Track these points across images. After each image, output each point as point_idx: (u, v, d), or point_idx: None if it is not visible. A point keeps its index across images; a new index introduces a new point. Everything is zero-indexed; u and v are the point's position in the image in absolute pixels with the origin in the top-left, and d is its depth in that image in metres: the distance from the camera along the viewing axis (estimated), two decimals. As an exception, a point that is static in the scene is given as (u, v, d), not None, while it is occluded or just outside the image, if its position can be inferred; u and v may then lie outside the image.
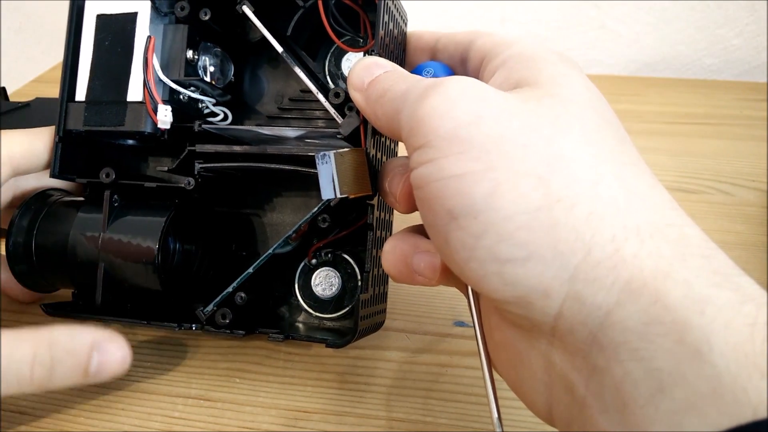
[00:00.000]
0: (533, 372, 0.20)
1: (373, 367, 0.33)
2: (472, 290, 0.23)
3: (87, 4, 0.31)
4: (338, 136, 0.27)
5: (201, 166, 0.30)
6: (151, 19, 0.30)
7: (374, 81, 0.23)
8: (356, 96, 0.24)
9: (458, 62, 0.27)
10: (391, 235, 0.32)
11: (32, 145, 0.31)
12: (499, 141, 0.18)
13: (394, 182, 0.24)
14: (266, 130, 0.29)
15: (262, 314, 0.32)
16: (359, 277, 0.32)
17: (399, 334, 0.35)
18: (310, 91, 0.30)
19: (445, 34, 0.28)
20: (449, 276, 0.23)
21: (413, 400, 0.31)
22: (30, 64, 0.70)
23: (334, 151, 0.25)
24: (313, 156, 0.26)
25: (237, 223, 0.34)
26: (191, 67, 0.31)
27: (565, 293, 0.17)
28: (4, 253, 0.32)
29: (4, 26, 0.78)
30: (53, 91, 0.40)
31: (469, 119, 0.19)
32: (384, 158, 0.31)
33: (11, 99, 0.42)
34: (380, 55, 0.25)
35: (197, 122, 0.30)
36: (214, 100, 0.32)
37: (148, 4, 0.30)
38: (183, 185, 0.30)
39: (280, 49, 0.30)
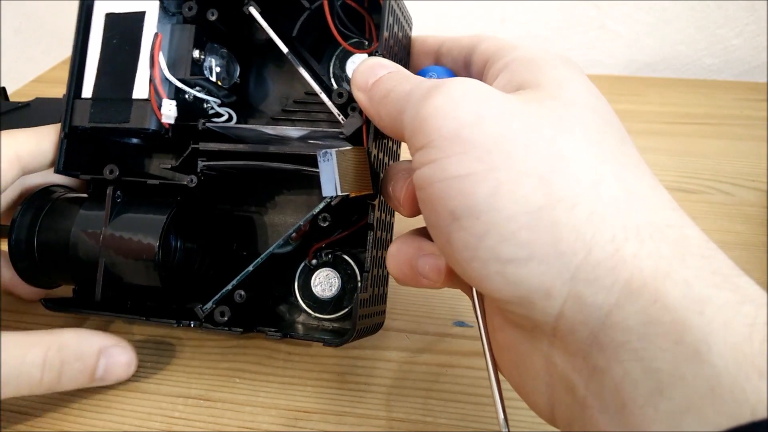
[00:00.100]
0: (535, 372, 0.20)
1: (373, 367, 0.33)
2: (476, 291, 0.23)
3: (96, 3, 0.32)
4: (341, 136, 0.27)
5: (204, 164, 0.30)
6: (159, 19, 0.30)
7: (378, 81, 0.23)
8: (360, 96, 0.24)
9: (461, 66, 0.27)
10: (392, 236, 0.33)
11: (39, 143, 0.31)
12: (500, 141, 0.18)
13: (398, 186, 0.24)
14: (269, 130, 0.29)
15: (261, 314, 0.32)
16: (359, 278, 0.32)
17: (399, 334, 0.35)
18: (315, 94, 0.30)
19: (448, 38, 0.28)
20: (454, 278, 0.23)
21: (413, 400, 0.31)
22: (30, 64, 0.70)
23: (336, 149, 0.25)
24: (316, 155, 0.26)
25: (238, 223, 0.34)
26: (197, 66, 0.31)
27: (566, 293, 0.17)
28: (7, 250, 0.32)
29: (4, 26, 0.78)
30: (53, 91, 0.40)
31: (472, 119, 0.19)
32: (387, 161, 0.31)
33: (11, 99, 0.42)
34: (384, 57, 0.25)
35: (201, 120, 0.31)
36: (219, 101, 0.33)
37: (157, 3, 0.31)
38: (185, 183, 0.30)
39: (285, 50, 0.30)
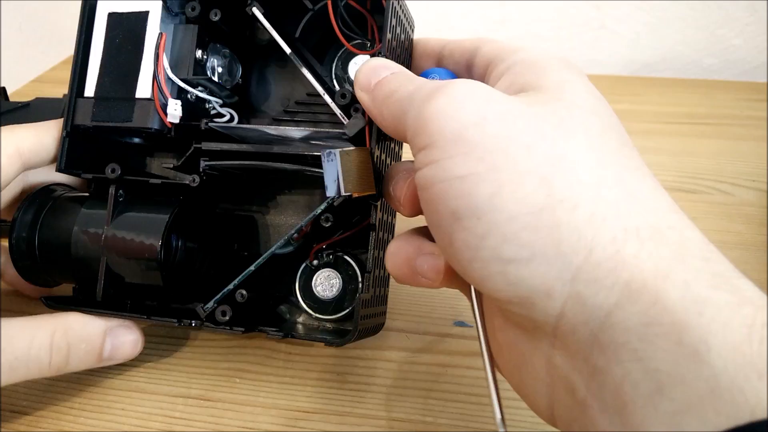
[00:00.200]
0: (535, 373, 0.20)
1: (373, 367, 0.33)
2: (475, 292, 0.23)
3: (99, 3, 0.32)
4: (343, 137, 0.27)
5: (206, 163, 0.30)
6: (161, 19, 0.31)
7: (381, 82, 0.23)
8: (363, 96, 0.24)
9: (464, 68, 0.27)
10: (393, 237, 0.33)
11: (41, 139, 0.31)
12: (503, 142, 0.18)
13: (399, 185, 0.24)
14: (272, 130, 0.29)
15: (263, 314, 0.32)
16: (360, 279, 0.32)
17: (399, 334, 0.35)
18: (317, 95, 0.30)
19: (451, 41, 0.28)
20: (452, 278, 0.23)
21: (413, 400, 0.31)
22: (30, 64, 0.70)
23: (340, 149, 0.25)
24: (318, 156, 0.26)
25: (239, 223, 0.34)
26: (200, 66, 0.31)
27: (566, 293, 0.17)
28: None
29: (4, 26, 0.78)
30: (53, 91, 0.40)
31: (474, 121, 0.19)
32: (390, 162, 0.31)
33: (11, 99, 0.42)
34: (387, 58, 0.25)
35: (204, 120, 0.31)
36: (221, 101, 0.33)
37: (160, 3, 0.31)
38: (187, 182, 0.30)
39: (288, 50, 0.30)
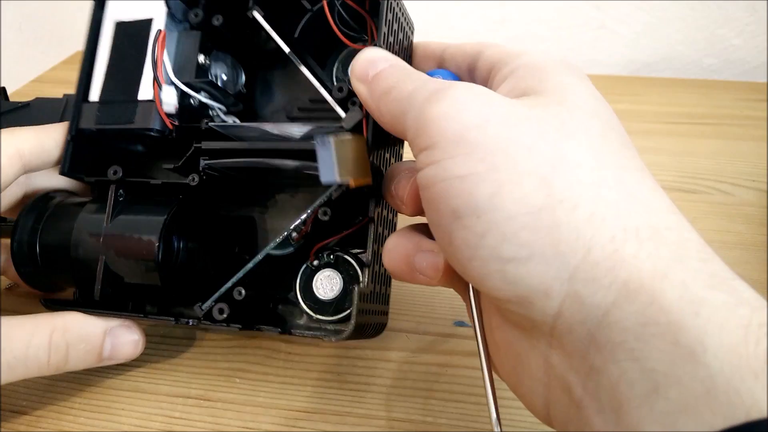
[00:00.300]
0: (532, 373, 0.20)
1: (373, 367, 0.33)
2: (473, 291, 0.23)
3: (106, 12, 0.33)
4: (341, 131, 0.27)
5: (206, 162, 0.30)
6: (165, 26, 0.31)
7: (379, 75, 0.23)
8: (360, 87, 0.24)
9: (465, 72, 0.27)
10: None
11: (41, 141, 0.31)
12: (504, 144, 0.19)
13: (401, 185, 0.24)
14: (272, 128, 0.30)
15: (262, 314, 0.32)
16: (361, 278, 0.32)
17: (399, 334, 0.35)
18: (319, 100, 0.30)
19: (452, 45, 0.28)
20: (450, 277, 0.23)
21: (413, 400, 0.31)
22: (30, 64, 0.70)
23: (334, 136, 0.25)
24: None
25: (240, 226, 0.34)
26: (202, 71, 0.32)
27: (564, 293, 0.17)
28: None
29: (4, 26, 0.78)
30: (53, 91, 0.40)
31: (477, 123, 0.19)
32: (393, 160, 0.31)
33: (11, 99, 0.42)
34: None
35: (204, 121, 0.31)
36: (225, 109, 0.33)
37: (164, 11, 0.31)
38: (187, 181, 0.31)
39: (287, 49, 0.30)
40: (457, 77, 0.27)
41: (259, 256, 0.29)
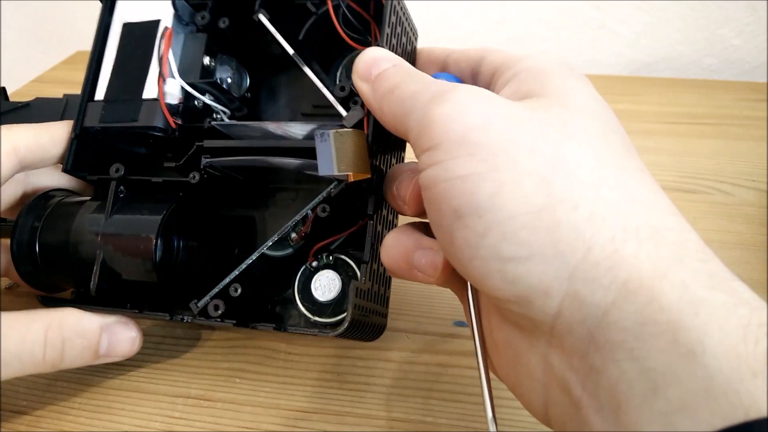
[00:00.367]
0: (531, 372, 0.20)
1: (373, 367, 0.33)
2: (471, 290, 0.23)
3: (114, 14, 0.33)
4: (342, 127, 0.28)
5: (207, 160, 0.30)
6: (172, 27, 0.32)
7: (382, 74, 0.23)
8: (362, 86, 0.24)
9: (468, 76, 0.27)
10: None
11: (37, 138, 0.31)
12: (506, 145, 0.19)
13: (403, 185, 0.24)
14: (274, 128, 0.30)
15: (258, 314, 0.32)
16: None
17: (399, 334, 0.35)
18: (322, 106, 0.31)
19: (455, 50, 0.28)
20: (448, 276, 0.23)
21: (413, 400, 0.31)
22: (30, 64, 0.70)
23: (333, 130, 0.25)
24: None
25: (240, 227, 0.34)
26: (207, 73, 0.32)
27: (564, 292, 0.17)
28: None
29: (4, 26, 0.78)
30: (53, 91, 0.40)
31: (479, 124, 0.19)
32: (394, 161, 0.31)
33: (11, 99, 0.42)
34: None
35: (207, 119, 0.31)
36: (229, 112, 0.33)
37: (171, 12, 0.32)
38: (188, 179, 0.31)
39: (291, 51, 0.31)
40: (460, 81, 0.27)
41: (256, 253, 0.29)
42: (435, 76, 0.26)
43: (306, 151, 0.29)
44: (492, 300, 0.21)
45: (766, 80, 0.59)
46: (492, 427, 0.21)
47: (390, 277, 0.33)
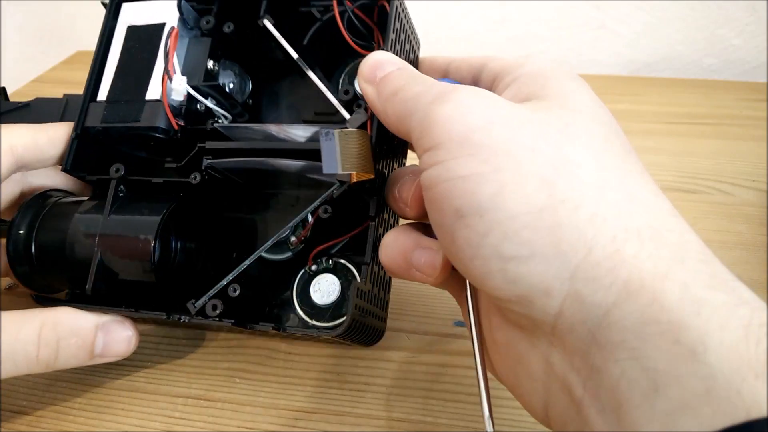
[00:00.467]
0: (532, 373, 0.20)
1: (372, 367, 0.33)
2: (470, 289, 0.23)
3: (120, 17, 0.33)
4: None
5: (209, 161, 0.30)
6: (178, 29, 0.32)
7: (387, 77, 0.24)
8: (367, 88, 0.24)
9: (470, 83, 0.27)
10: None
11: (35, 138, 0.31)
12: (508, 145, 0.19)
13: (405, 187, 0.25)
14: (276, 130, 0.30)
15: (256, 316, 0.31)
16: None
17: (399, 334, 0.35)
18: (324, 113, 0.31)
19: (457, 58, 0.29)
20: (446, 277, 0.23)
21: (413, 400, 0.31)
22: (30, 64, 0.70)
23: (338, 129, 0.25)
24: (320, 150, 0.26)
25: (239, 231, 0.34)
26: (211, 77, 0.32)
27: (565, 292, 0.17)
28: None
29: (4, 26, 0.78)
30: (53, 91, 0.40)
31: (481, 125, 0.19)
32: (396, 166, 0.31)
33: (11, 99, 0.42)
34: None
35: (210, 121, 0.31)
36: (230, 117, 0.33)
37: (176, 16, 0.32)
38: (189, 180, 0.31)
39: (295, 55, 0.31)
40: None
41: (257, 253, 0.29)
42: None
43: (308, 153, 0.29)
44: (493, 300, 0.21)
45: (766, 80, 0.59)
46: (489, 427, 0.21)
47: (389, 282, 0.33)
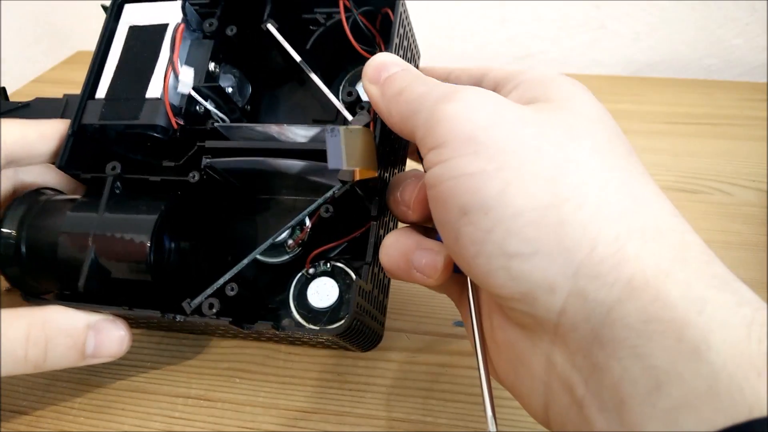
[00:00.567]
0: (533, 372, 0.20)
1: (372, 367, 0.33)
2: (471, 287, 0.23)
3: (121, 18, 0.33)
4: None
5: (208, 161, 0.30)
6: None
7: (391, 77, 0.24)
8: (371, 89, 0.24)
9: None
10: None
11: (24, 133, 0.30)
12: (513, 144, 0.19)
13: (407, 190, 0.25)
14: (277, 130, 0.30)
15: (254, 318, 0.31)
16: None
17: (399, 334, 0.35)
18: (324, 121, 0.31)
19: (456, 68, 0.29)
20: (446, 279, 0.23)
21: (413, 400, 0.31)
22: (30, 64, 0.70)
23: (344, 126, 0.25)
24: (322, 150, 0.26)
25: (236, 235, 0.34)
26: (212, 79, 0.32)
27: (568, 289, 0.18)
28: None
29: (4, 26, 0.78)
30: (53, 91, 0.40)
31: (487, 123, 0.19)
32: (396, 171, 0.31)
33: (11, 99, 0.42)
34: None
35: (210, 121, 0.31)
36: (228, 121, 0.33)
37: (180, 17, 0.32)
38: (188, 178, 0.30)
39: (298, 58, 0.31)
40: None
41: (256, 251, 0.28)
42: None
43: (310, 153, 0.29)
44: (496, 298, 0.21)
45: (766, 80, 0.59)
46: (492, 427, 0.21)
47: (388, 285, 0.33)
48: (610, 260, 0.17)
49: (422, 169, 0.24)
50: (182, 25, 0.31)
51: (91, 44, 0.33)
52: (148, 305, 0.28)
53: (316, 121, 0.35)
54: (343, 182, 0.27)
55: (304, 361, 0.34)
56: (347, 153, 0.25)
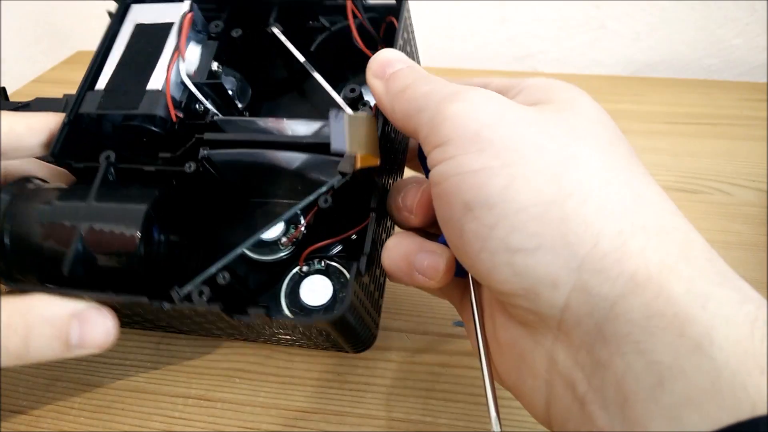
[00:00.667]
0: (535, 371, 0.20)
1: (372, 368, 0.33)
2: (473, 291, 0.23)
3: (127, 17, 0.33)
4: None
5: (206, 152, 0.30)
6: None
7: (396, 74, 0.24)
8: (375, 83, 0.24)
9: None
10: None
11: (12, 125, 0.29)
12: (517, 142, 0.19)
13: (410, 194, 0.25)
14: (276, 124, 0.29)
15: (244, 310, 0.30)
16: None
17: (399, 334, 0.35)
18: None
19: (457, 79, 0.29)
20: (449, 281, 0.23)
21: (413, 400, 0.31)
22: (30, 64, 0.70)
23: (348, 113, 0.25)
24: (326, 143, 0.26)
25: (228, 237, 0.33)
26: (214, 77, 0.32)
27: (572, 283, 0.18)
28: None
29: (4, 26, 0.78)
30: (53, 91, 0.40)
31: (491, 121, 0.20)
32: (391, 181, 0.31)
33: (11, 99, 0.42)
34: None
35: (210, 113, 0.31)
36: None
37: (187, 6, 0.32)
38: (184, 169, 0.29)
39: (302, 59, 0.31)
40: None
41: (251, 240, 0.27)
42: None
43: (311, 146, 0.28)
44: (499, 296, 0.21)
45: (766, 80, 0.59)
46: (496, 427, 0.21)
47: (383, 285, 0.33)
48: (613, 255, 0.17)
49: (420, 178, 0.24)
50: (190, 14, 0.31)
51: (91, 44, 0.33)
52: (135, 292, 0.27)
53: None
54: (343, 174, 0.26)
55: (304, 361, 0.34)
56: (350, 137, 0.25)
